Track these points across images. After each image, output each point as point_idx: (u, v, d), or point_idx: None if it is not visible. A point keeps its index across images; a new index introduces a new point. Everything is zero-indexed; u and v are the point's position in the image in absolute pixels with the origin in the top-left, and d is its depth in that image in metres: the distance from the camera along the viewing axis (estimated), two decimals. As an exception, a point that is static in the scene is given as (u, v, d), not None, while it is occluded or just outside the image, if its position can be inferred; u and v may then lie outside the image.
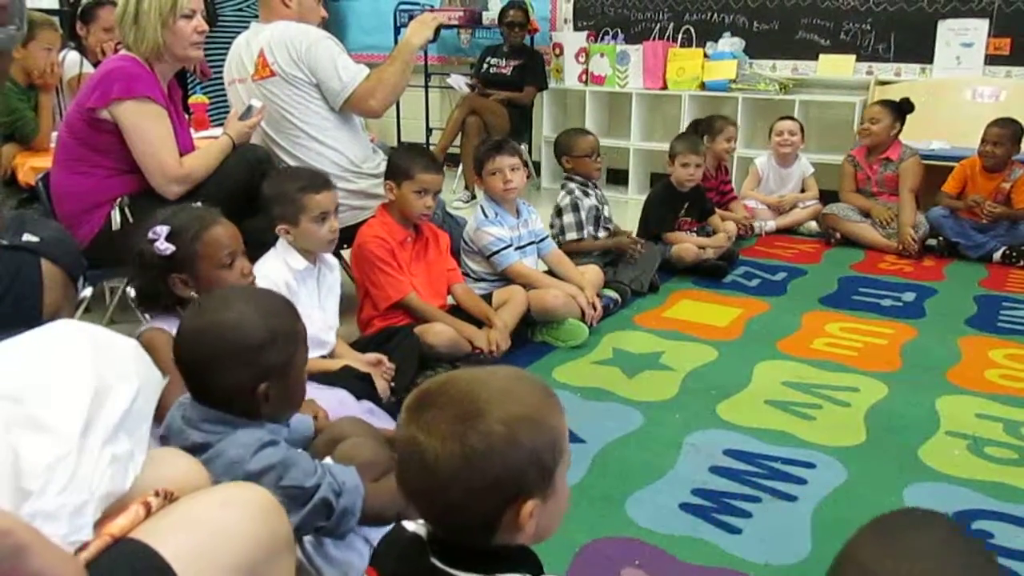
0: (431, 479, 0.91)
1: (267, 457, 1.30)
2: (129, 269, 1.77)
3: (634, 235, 3.57)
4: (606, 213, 3.50)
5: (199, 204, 2.04)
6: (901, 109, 4.15)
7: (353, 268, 2.66)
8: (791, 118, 4.61)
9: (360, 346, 2.42)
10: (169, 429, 1.38)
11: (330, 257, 2.38)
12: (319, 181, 2.26)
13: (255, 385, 1.32)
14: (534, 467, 0.92)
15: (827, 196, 4.48)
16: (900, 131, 4.17)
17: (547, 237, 3.15)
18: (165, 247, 1.70)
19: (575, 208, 3.38)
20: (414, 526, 1.02)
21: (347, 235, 2.66)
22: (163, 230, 1.72)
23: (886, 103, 4.21)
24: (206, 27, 2.55)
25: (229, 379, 1.32)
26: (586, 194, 3.42)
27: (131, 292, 2.17)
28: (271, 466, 1.30)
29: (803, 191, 4.60)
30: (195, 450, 1.30)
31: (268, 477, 1.28)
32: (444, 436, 0.90)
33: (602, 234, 3.46)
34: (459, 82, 5.52)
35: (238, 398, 1.33)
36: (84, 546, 1.01)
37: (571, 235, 3.37)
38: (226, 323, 1.32)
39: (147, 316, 1.82)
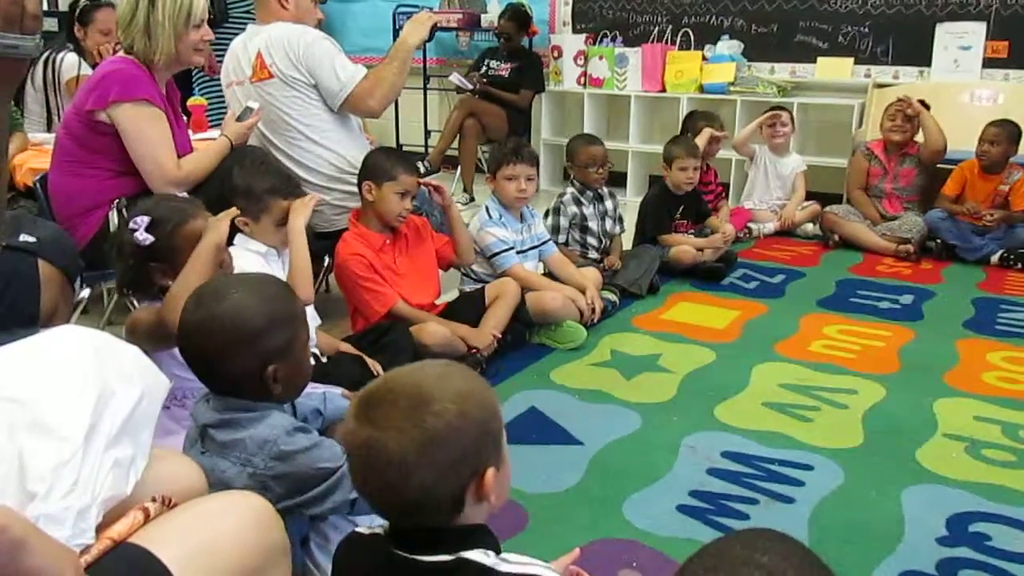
0: (396, 471, 0.94)
1: (300, 441, 1.33)
2: (110, 258, 1.77)
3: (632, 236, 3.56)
4: (607, 227, 3.50)
5: (184, 195, 2.03)
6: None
7: (339, 285, 2.66)
8: (783, 108, 4.57)
9: (352, 342, 2.43)
10: (194, 415, 1.40)
11: None
12: (289, 187, 2.20)
13: (263, 369, 1.33)
14: (487, 436, 0.99)
15: (822, 198, 4.47)
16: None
17: (548, 241, 3.16)
18: (144, 237, 1.71)
19: (556, 212, 3.41)
20: (368, 529, 1.06)
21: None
22: (143, 220, 1.72)
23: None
24: (212, 35, 2.58)
25: (236, 367, 1.33)
26: (579, 202, 3.42)
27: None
28: (304, 448, 1.33)
29: (794, 189, 4.57)
30: (222, 425, 1.34)
31: (300, 459, 1.32)
32: (402, 426, 0.95)
33: (592, 241, 3.45)
34: (460, 79, 5.47)
35: (247, 383, 1.35)
36: (86, 550, 1.01)
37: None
38: (224, 313, 1.33)
39: (135, 303, 1.82)
